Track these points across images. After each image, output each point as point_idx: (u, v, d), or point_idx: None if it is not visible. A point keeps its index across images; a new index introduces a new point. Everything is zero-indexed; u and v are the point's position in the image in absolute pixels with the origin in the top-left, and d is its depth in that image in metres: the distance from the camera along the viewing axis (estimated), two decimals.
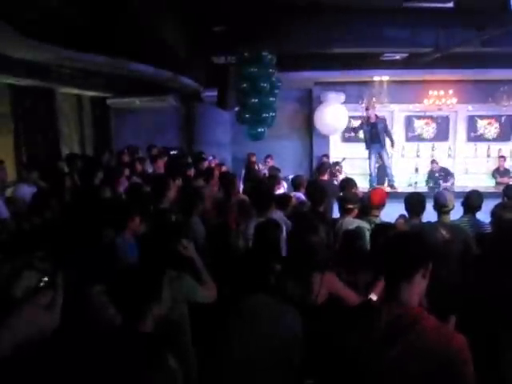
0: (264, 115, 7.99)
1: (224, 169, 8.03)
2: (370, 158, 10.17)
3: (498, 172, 11.04)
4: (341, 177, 8.90)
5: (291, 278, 2.95)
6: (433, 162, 10.94)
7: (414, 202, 4.50)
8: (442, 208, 4.33)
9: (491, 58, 8.91)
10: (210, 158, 9.36)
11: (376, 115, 10.10)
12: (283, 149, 11.10)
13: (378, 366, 1.72)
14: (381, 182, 10.20)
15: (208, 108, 10.45)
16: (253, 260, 2.56)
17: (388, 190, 9.21)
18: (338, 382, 1.91)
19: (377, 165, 10.34)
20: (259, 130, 8.15)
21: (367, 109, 10.18)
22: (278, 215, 4.50)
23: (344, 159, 10.92)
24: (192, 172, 7.39)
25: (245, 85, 7.82)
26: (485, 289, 2.96)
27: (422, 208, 4.46)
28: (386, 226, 3.91)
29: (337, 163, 10.39)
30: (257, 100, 7.80)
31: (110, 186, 5.60)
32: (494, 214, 4.15)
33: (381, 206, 4.70)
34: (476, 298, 2.96)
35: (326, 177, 7.41)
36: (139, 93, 10.06)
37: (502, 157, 11.25)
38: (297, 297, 2.81)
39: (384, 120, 10.24)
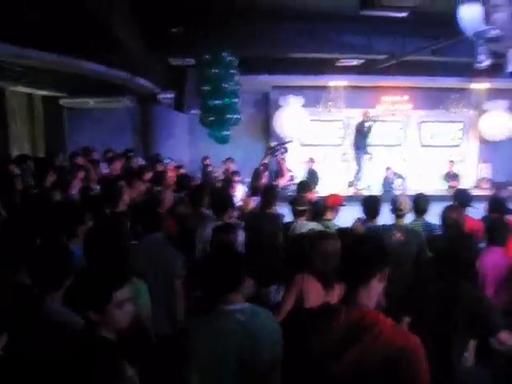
0: (228, 117, 7.94)
1: (182, 171, 7.91)
2: (361, 160, 10.49)
3: (449, 176, 11.43)
4: (282, 157, 8.84)
5: None
6: (388, 168, 11.18)
7: (370, 205, 4.58)
8: (397, 211, 4.43)
9: (442, 67, 9.22)
10: (168, 160, 9.23)
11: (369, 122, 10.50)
12: (240, 152, 11.08)
13: (338, 367, 1.73)
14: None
15: (165, 110, 10.32)
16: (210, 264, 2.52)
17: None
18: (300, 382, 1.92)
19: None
20: (224, 133, 8.09)
21: (367, 113, 10.54)
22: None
23: (291, 141, 10.88)
24: (149, 175, 7.28)
25: (207, 87, 7.75)
26: (435, 290, 3.04)
27: (378, 211, 4.54)
28: (344, 230, 3.96)
29: (283, 143, 10.27)
30: (220, 102, 7.75)
31: (62, 188, 5.41)
32: (442, 216, 4.29)
33: (335, 208, 4.75)
34: (427, 299, 3.03)
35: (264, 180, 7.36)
36: (93, 93, 9.82)
37: (451, 161, 11.67)
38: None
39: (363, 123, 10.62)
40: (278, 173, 8.78)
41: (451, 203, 4.90)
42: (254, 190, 6.21)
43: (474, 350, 3.38)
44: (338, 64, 9.22)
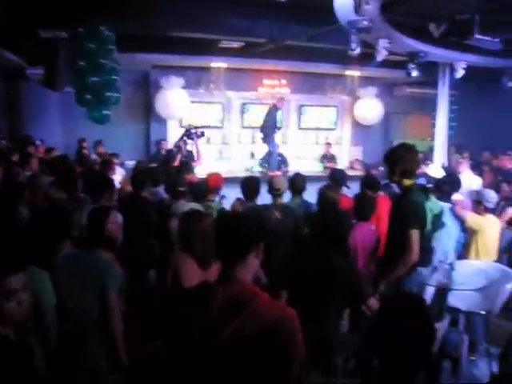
0: (107, 95, 7.48)
1: (55, 154, 7.40)
2: (272, 142, 10.55)
3: (326, 158, 12.06)
4: (197, 141, 8.77)
5: None
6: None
7: (249, 186, 4.68)
8: (275, 191, 4.57)
9: (319, 53, 9.60)
10: (38, 142, 8.59)
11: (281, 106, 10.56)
12: (119, 133, 10.64)
13: (218, 343, 1.74)
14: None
15: (35, 88, 9.55)
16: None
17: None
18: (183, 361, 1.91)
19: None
20: (104, 112, 7.60)
21: (281, 97, 10.61)
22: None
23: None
24: (17, 157, 6.74)
25: (83, 62, 7.24)
26: (310, 264, 3.20)
27: (257, 191, 4.65)
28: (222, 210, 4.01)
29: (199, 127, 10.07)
30: (99, 79, 7.29)
31: None
32: (318, 194, 4.52)
33: (216, 189, 4.81)
34: (303, 273, 3.18)
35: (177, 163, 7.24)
36: None
37: (328, 144, 12.32)
38: None
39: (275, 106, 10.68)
40: (192, 156, 8.58)
41: (327, 183, 5.18)
42: (167, 172, 5.97)
43: (347, 318, 3.65)
44: (220, 46, 9.20)
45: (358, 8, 4.39)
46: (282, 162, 10.95)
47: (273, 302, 1.85)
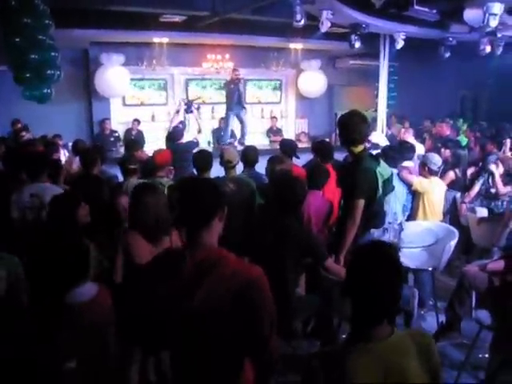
0: (48, 72, 7.11)
1: None
2: (228, 117, 10.34)
3: (272, 131, 12.14)
4: (196, 113, 8.63)
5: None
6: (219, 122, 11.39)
7: (201, 159, 4.67)
8: (227, 163, 4.60)
9: (262, 26, 9.57)
10: None
11: (237, 77, 10.21)
12: (60, 114, 10.24)
13: (188, 310, 1.76)
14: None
15: None
16: None
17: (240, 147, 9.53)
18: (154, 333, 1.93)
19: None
20: (45, 90, 7.24)
21: (235, 69, 10.30)
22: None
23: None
24: None
25: (18, 38, 6.84)
26: (267, 231, 3.28)
27: (209, 164, 4.65)
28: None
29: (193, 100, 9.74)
30: (37, 56, 6.92)
31: None
32: (267, 165, 4.64)
33: (165, 166, 4.79)
34: (260, 239, 3.26)
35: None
36: None
37: (274, 117, 12.40)
38: None
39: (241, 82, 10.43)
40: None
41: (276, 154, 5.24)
42: (174, 150, 5.77)
43: (304, 284, 3.77)
44: (161, 20, 8.99)
45: None
46: (233, 137, 10.90)
47: (240, 261, 1.89)
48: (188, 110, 8.68)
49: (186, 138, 6.98)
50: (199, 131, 7.78)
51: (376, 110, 10.69)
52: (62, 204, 3.22)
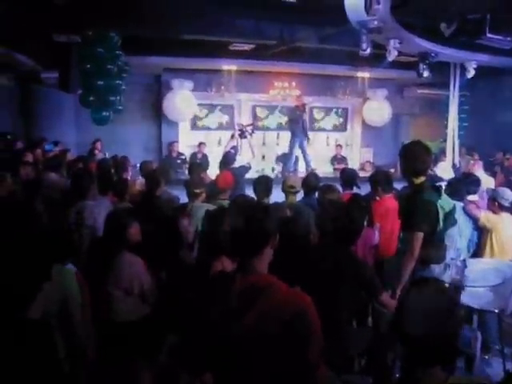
0: (110, 98, 7.66)
1: (70, 156, 7.50)
2: (293, 144, 10.57)
3: (336, 159, 12.06)
4: (249, 138, 8.89)
5: None
6: None
7: (261, 184, 4.71)
8: (289, 189, 4.61)
9: (330, 55, 9.60)
10: (50, 146, 8.70)
11: (302, 103, 10.51)
12: (131, 135, 10.76)
13: (237, 332, 1.77)
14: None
15: (49, 90, 9.68)
16: None
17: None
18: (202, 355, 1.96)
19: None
20: (104, 113, 7.78)
21: (300, 96, 10.68)
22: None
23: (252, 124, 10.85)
24: (30, 158, 6.88)
25: (89, 66, 7.40)
26: (322, 260, 3.23)
27: (269, 190, 4.68)
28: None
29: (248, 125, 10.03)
30: (102, 82, 7.45)
31: None
32: (318, 193, 4.62)
33: (227, 189, 4.83)
34: (315, 269, 3.21)
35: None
36: None
37: (339, 145, 12.33)
38: None
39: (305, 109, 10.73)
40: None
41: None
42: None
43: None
44: (230, 48, 9.25)
45: (368, 8, 4.41)
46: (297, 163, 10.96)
47: (289, 288, 1.89)
48: (242, 136, 8.80)
49: (240, 162, 7.11)
50: (253, 156, 7.90)
51: (445, 141, 10.38)
52: (113, 221, 3.34)
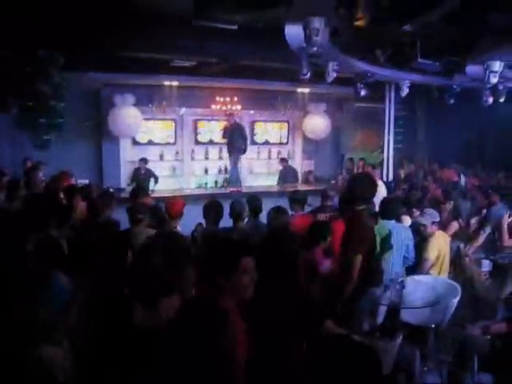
0: (45, 121, 7.37)
1: (6, 178, 7.04)
2: (231, 161, 11.21)
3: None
4: None
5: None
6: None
7: (212, 211, 4.74)
8: (237, 217, 4.67)
9: (271, 72, 9.80)
10: None
11: (234, 121, 11.02)
12: (70, 152, 10.41)
13: None
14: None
15: None
16: None
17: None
18: None
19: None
20: (44, 137, 7.45)
21: (230, 114, 11.03)
22: None
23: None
24: None
25: (20, 87, 7.13)
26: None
27: (220, 216, 4.73)
28: None
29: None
30: (33, 104, 7.18)
31: None
32: (267, 215, 4.71)
33: (179, 216, 4.78)
34: None
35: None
36: None
37: (283, 159, 12.47)
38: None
39: (240, 126, 11.17)
40: None
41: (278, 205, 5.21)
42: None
43: None
44: (172, 65, 9.24)
45: (307, 39, 4.59)
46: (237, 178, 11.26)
47: None
48: None
49: None
50: None
51: (382, 152, 10.83)
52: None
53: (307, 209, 5.58)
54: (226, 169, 11.83)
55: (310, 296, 3.64)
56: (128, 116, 10.54)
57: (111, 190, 7.91)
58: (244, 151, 11.37)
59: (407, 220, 5.57)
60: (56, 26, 6.95)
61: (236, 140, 11.12)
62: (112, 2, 6.55)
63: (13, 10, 6.18)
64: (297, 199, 5.44)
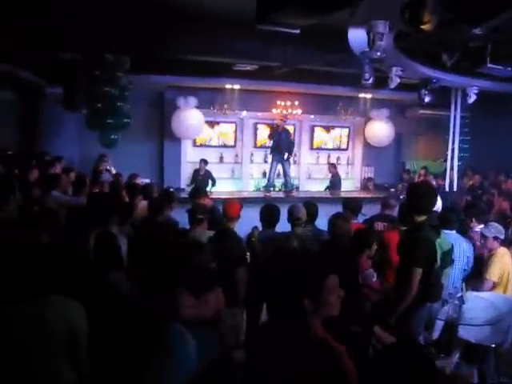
0: (110, 121, 7.68)
1: (72, 175, 7.38)
2: (272, 164, 11.05)
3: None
4: None
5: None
6: None
7: (269, 214, 4.73)
8: (295, 220, 4.63)
9: (333, 76, 9.69)
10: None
11: (282, 126, 11.00)
12: (134, 152, 10.76)
13: None
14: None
15: (53, 106, 9.73)
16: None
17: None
18: None
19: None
20: (111, 137, 7.79)
21: (283, 118, 11.02)
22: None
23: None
24: (36, 174, 6.92)
25: (91, 89, 7.47)
26: None
27: (276, 219, 4.70)
28: None
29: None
30: (102, 105, 7.51)
31: None
32: (329, 222, 4.50)
33: (236, 219, 4.67)
34: None
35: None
36: None
37: (333, 165, 12.26)
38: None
39: (287, 131, 11.12)
40: None
41: (339, 211, 5.15)
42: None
43: None
44: (234, 68, 9.33)
45: (371, 44, 4.49)
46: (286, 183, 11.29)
47: None
48: None
49: None
50: None
51: (445, 161, 10.43)
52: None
53: (360, 217, 5.43)
54: (284, 172, 11.67)
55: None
56: (190, 118, 10.78)
57: (171, 189, 8.04)
58: (288, 156, 11.21)
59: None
60: (122, 31, 7.22)
61: (282, 144, 10.99)
62: (177, 8, 6.70)
63: (82, 17, 6.47)
64: (350, 207, 5.32)
